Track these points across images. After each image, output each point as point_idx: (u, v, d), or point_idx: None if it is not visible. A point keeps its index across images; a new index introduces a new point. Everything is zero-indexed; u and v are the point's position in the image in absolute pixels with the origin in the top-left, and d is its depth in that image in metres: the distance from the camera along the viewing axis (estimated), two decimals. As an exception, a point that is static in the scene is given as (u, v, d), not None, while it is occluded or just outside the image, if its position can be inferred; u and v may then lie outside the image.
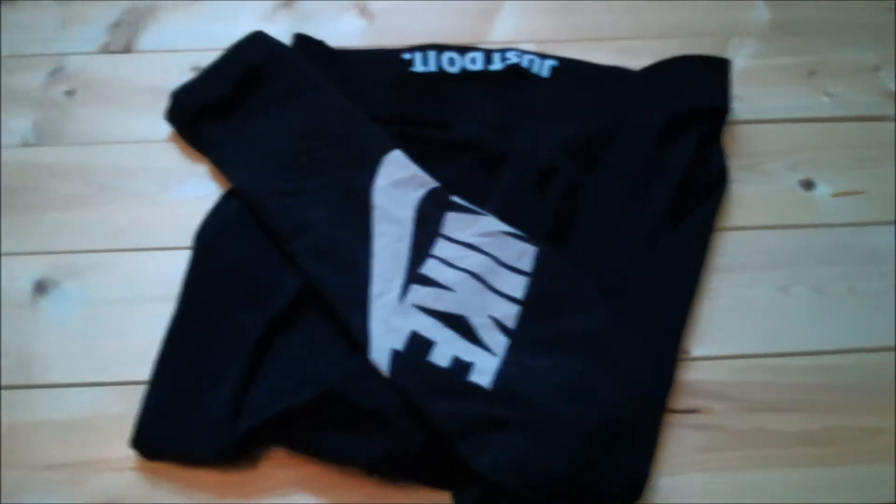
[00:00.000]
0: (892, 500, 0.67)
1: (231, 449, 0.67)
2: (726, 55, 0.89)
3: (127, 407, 0.69)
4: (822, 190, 0.83)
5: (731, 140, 0.86)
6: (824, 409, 0.71)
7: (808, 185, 0.83)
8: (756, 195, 0.83)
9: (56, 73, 0.92)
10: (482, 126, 0.85)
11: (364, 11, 0.96)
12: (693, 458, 0.69)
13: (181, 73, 0.89)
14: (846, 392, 0.72)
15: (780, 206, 0.82)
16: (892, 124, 0.87)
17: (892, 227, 0.81)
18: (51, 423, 0.70)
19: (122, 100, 0.90)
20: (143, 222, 0.81)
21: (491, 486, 0.63)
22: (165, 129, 0.87)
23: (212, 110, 0.84)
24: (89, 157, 0.85)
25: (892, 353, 0.74)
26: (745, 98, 0.89)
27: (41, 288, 0.77)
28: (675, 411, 0.71)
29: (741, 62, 0.92)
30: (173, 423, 0.68)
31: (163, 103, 0.86)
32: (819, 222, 0.81)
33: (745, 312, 0.76)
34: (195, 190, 0.83)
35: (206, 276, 0.76)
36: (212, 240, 0.78)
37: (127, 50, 0.94)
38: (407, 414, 0.67)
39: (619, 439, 0.65)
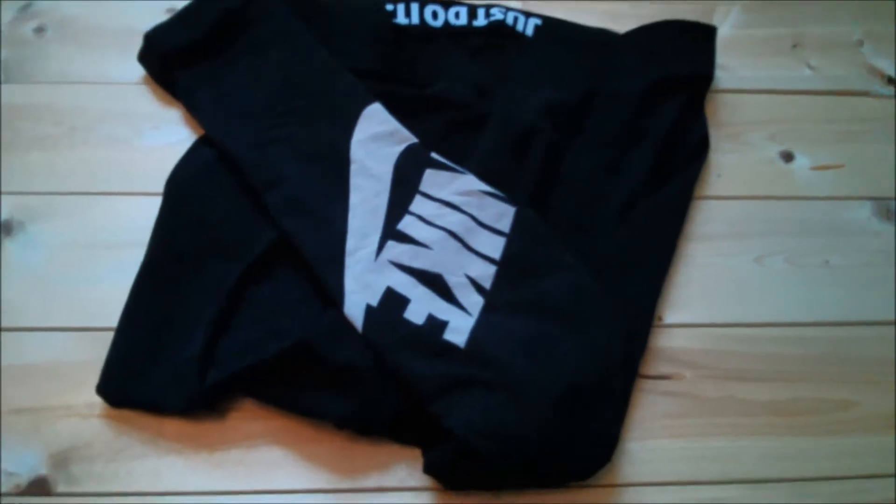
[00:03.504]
0: (859, 473, 0.68)
1: (199, 399, 0.66)
2: (711, 23, 0.88)
3: (93, 353, 0.68)
4: (802, 162, 0.83)
5: (712, 109, 0.86)
6: (794, 380, 0.72)
7: (787, 156, 0.84)
8: (735, 165, 0.83)
9: (26, 10, 0.89)
10: (463, 85, 0.83)
11: (346, -40, 0.94)
12: (662, 424, 0.69)
13: (155, 14, 0.87)
14: (817, 364, 0.73)
15: (758, 176, 0.82)
16: (874, 100, 0.88)
17: (870, 203, 0.81)
18: (15, 367, 0.69)
19: (95, 39, 0.87)
20: (113, 166, 0.79)
21: (461, 445, 0.62)
22: (138, 71, 0.84)
23: (186, 54, 0.82)
24: (59, 98, 0.83)
25: (864, 327, 0.75)
26: (728, 67, 0.89)
27: (6, 229, 0.75)
28: (646, 377, 0.71)
29: (725, 31, 0.91)
30: (141, 372, 0.67)
31: (136, 45, 0.84)
32: (797, 195, 0.81)
33: (720, 281, 0.76)
34: (168, 135, 0.81)
35: (176, 224, 0.74)
36: (183, 187, 0.76)
37: (100, -13, 0.91)
38: (379, 370, 0.66)
39: (590, 402, 0.65)
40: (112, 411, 0.67)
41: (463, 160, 0.77)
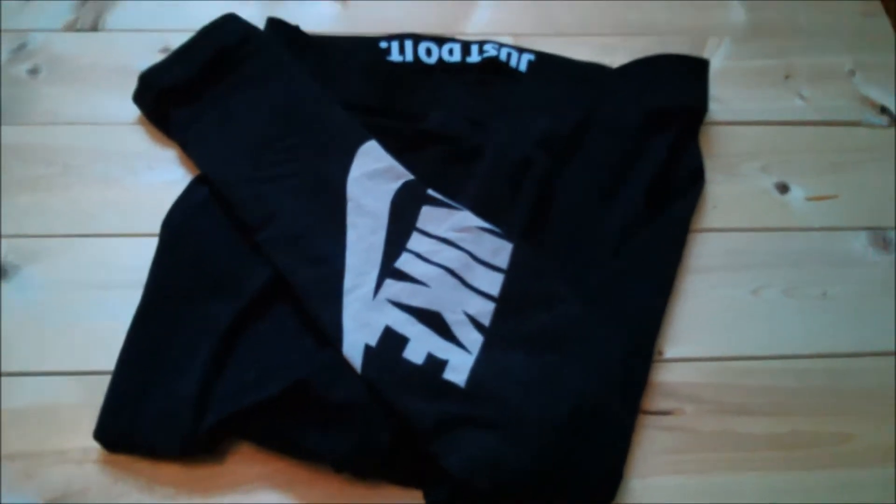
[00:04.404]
0: (860, 506, 0.68)
1: (196, 443, 0.65)
2: (703, 55, 0.89)
3: (89, 397, 0.67)
4: (797, 193, 0.83)
5: (705, 141, 0.86)
6: (794, 413, 0.71)
7: (782, 188, 0.84)
8: (730, 197, 0.83)
9: (19, 51, 0.89)
10: (457, 119, 0.83)
11: (339, -3, 0.95)
12: (664, 460, 0.69)
13: (150, 54, 0.87)
14: (816, 396, 0.72)
15: (754, 208, 0.82)
16: (866, 129, 0.88)
17: (865, 233, 0.81)
18: (9, 411, 0.68)
19: (89, 80, 0.87)
20: (109, 207, 0.79)
21: (462, 485, 0.62)
22: (133, 111, 0.84)
23: (181, 93, 0.82)
24: (53, 138, 0.83)
25: (863, 358, 0.74)
26: (721, 99, 0.89)
27: (1, 272, 0.75)
28: (648, 412, 0.71)
29: (717, 63, 0.92)
30: (137, 416, 0.66)
31: (131, 85, 0.84)
32: (793, 226, 0.81)
33: (717, 314, 0.76)
34: (163, 175, 0.81)
35: (173, 264, 0.74)
36: (180, 227, 0.76)
37: (94, 28, 0.91)
38: (377, 410, 0.65)
39: (591, 438, 0.65)
40: (107, 456, 0.66)
41: (458, 193, 0.76)
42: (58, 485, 0.65)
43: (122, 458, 0.66)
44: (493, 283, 0.71)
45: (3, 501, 0.64)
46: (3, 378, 0.70)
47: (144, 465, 0.66)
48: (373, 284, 0.70)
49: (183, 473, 0.66)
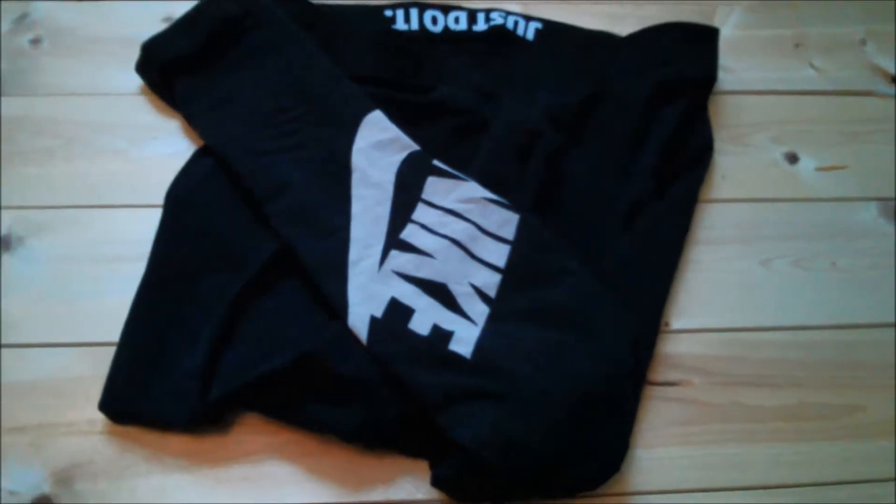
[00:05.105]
0: (868, 478, 0.67)
1: (202, 414, 0.65)
2: (713, 24, 0.88)
3: (95, 369, 0.67)
4: (807, 164, 0.83)
5: (715, 111, 0.85)
6: (802, 385, 0.71)
7: (792, 158, 0.83)
8: (740, 167, 0.82)
9: (21, 21, 0.88)
10: (464, 90, 0.82)
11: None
12: (671, 431, 0.69)
13: (153, 24, 0.86)
14: (825, 368, 0.72)
15: (763, 179, 0.82)
16: (878, 99, 0.87)
17: (875, 203, 0.80)
18: (16, 384, 0.68)
19: (91, 50, 0.86)
20: (113, 178, 0.78)
21: (471, 458, 0.62)
22: (136, 81, 0.83)
23: (184, 64, 0.81)
24: (57, 110, 0.82)
25: (872, 329, 0.74)
26: (731, 69, 0.88)
27: (6, 244, 0.74)
28: (654, 384, 0.70)
29: (727, 32, 0.90)
30: (143, 387, 0.66)
31: (133, 55, 0.83)
32: (802, 196, 0.81)
33: (727, 286, 0.76)
34: (167, 146, 0.80)
35: (177, 237, 0.73)
36: (183, 199, 0.75)
37: (96, -3, 0.91)
38: (385, 382, 0.65)
39: (598, 411, 0.65)
40: (115, 427, 0.66)
41: (466, 166, 0.76)
42: (66, 456, 0.66)
43: (129, 429, 0.66)
44: (499, 254, 0.71)
45: (10, 473, 0.64)
46: (9, 350, 0.70)
47: (151, 436, 0.66)
48: (378, 256, 0.70)
49: (191, 444, 0.66)
